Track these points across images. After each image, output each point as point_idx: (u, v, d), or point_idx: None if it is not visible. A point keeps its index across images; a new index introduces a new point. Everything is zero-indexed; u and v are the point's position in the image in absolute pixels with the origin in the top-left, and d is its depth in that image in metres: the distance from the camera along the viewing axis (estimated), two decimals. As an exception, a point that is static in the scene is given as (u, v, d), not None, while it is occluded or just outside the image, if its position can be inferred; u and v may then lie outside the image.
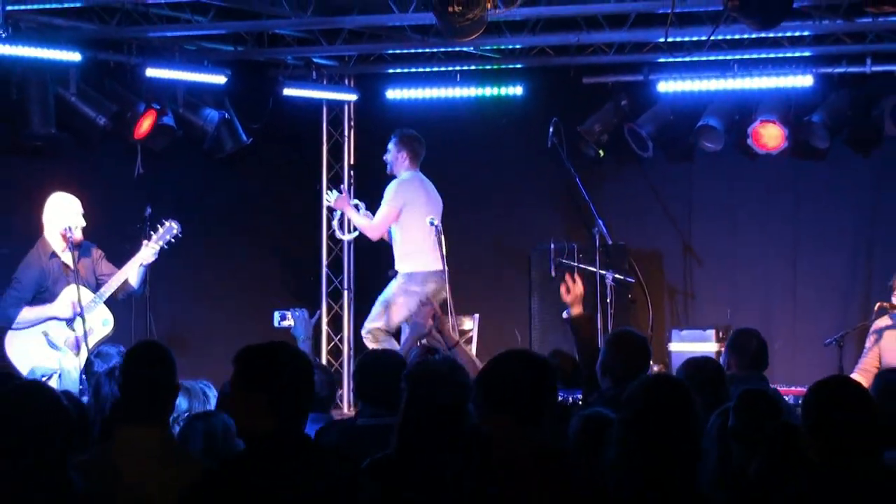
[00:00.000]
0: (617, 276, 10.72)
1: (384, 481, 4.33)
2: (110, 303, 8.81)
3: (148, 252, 8.79)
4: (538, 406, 4.23)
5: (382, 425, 4.96)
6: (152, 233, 8.91)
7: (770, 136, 11.04)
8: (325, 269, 12.55)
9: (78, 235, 8.59)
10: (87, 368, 6.92)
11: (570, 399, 7.01)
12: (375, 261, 12.47)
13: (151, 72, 10.48)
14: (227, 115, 11.29)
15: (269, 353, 4.08)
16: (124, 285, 8.79)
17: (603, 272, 10.70)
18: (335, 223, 11.30)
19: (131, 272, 8.79)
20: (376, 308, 10.13)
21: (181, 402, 5.99)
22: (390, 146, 10.23)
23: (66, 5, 9.29)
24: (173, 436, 4.76)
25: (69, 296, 8.57)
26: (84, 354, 8.44)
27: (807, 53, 10.79)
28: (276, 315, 6.72)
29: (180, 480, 4.10)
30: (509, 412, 4.17)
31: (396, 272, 10.18)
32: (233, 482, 3.94)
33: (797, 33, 10.23)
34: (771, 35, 10.16)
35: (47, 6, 9.19)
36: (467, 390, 4.52)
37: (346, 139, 12.69)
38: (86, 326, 8.47)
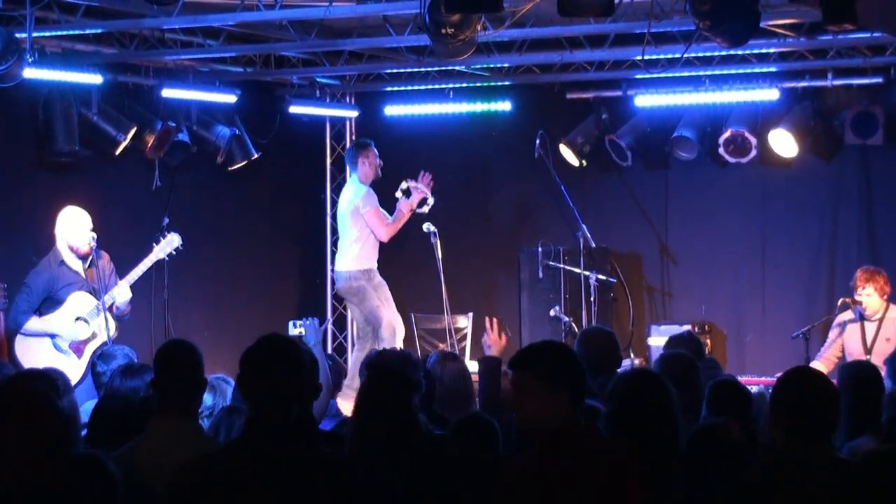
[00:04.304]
0: (600, 276, 10.73)
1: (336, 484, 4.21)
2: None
3: (144, 265, 8.71)
4: (582, 382, 4.12)
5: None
6: (154, 245, 8.81)
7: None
8: (329, 273, 12.51)
9: (84, 249, 8.51)
10: (92, 369, 6.83)
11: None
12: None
13: (167, 92, 10.45)
14: (237, 131, 11.25)
15: (257, 344, 3.89)
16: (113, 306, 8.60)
17: (587, 273, 10.73)
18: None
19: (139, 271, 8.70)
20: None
21: (206, 398, 5.92)
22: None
23: (87, 31, 9.25)
24: (202, 427, 4.69)
25: (72, 309, 8.47)
26: (86, 358, 8.39)
27: (773, 69, 10.77)
28: (290, 324, 6.67)
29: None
30: (566, 387, 4.02)
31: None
32: (210, 467, 3.74)
33: (764, 50, 10.21)
34: (739, 52, 10.14)
35: (70, 32, 9.15)
36: (414, 386, 4.49)
37: (348, 152, 12.66)
38: (92, 330, 8.44)
